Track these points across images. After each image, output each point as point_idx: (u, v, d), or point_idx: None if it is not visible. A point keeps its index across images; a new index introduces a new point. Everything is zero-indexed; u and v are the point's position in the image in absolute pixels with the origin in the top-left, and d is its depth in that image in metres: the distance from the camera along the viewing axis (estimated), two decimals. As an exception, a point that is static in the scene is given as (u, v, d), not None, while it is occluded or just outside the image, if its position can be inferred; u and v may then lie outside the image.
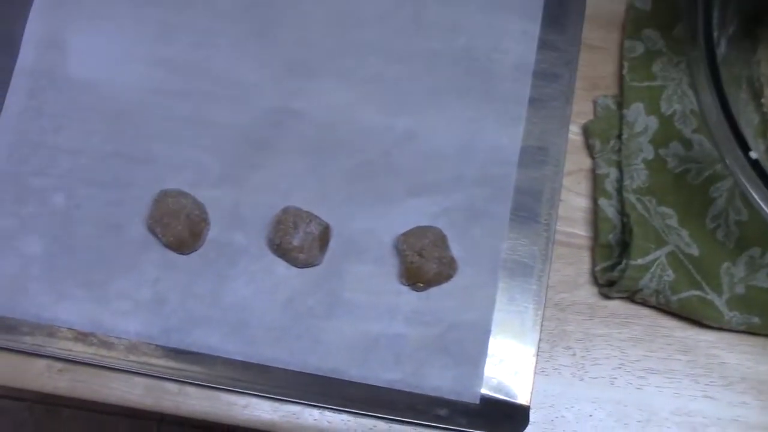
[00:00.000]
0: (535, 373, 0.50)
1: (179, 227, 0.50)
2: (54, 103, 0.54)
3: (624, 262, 0.49)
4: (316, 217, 0.51)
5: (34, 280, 0.51)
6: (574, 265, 0.52)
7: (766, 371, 0.51)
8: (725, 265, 0.50)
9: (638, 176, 0.51)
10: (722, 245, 0.51)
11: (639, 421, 0.50)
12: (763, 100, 0.51)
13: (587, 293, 0.52)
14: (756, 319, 0.50)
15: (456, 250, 0.51)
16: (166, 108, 0.53)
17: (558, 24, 0.54)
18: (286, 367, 0.50)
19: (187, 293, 0.51)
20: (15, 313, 0.50)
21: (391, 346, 0.50)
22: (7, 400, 1.15)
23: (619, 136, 0.53)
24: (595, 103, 0.54)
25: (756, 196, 0.43)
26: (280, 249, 0.50)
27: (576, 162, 0.54)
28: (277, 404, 0.50)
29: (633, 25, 0.54)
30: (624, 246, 0.51)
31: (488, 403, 0.49)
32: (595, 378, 0.51)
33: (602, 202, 0.52)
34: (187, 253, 0.51)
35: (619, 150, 0.52)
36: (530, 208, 0.51)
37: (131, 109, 0.53)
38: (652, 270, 0.49)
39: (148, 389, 0.50)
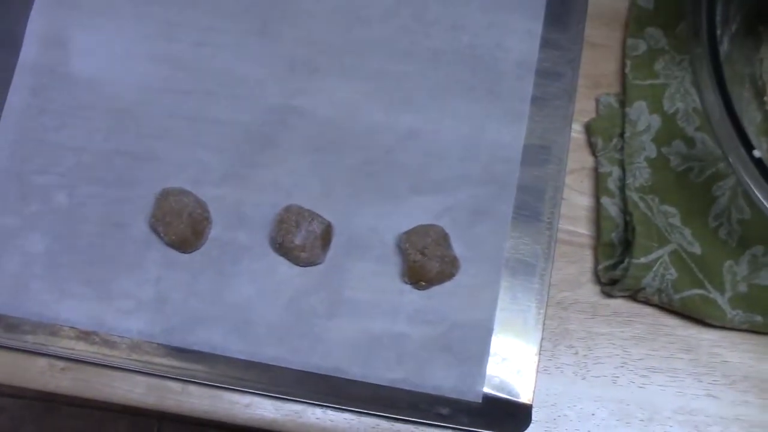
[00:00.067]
0: (537, 371, 0.49)
1: (181, 226, 0.50)
2: (56, 100, 0.53)
3: (626, 260, 0.49)
4: (319, 215, 0.51)
5: (36, 279, 0.51)
6: (576, 263, 0.52)
7: (768, 370, 0.51)
8: (728, 263, 0.50)
9: (641, 175, 0.51)
10: (725, 244, 0.51)
11: (641, 420, 0.50)
12: (765, 98, 0.51)
13: (590, 292, 0.52)
14: (758, 318, 0.50)
15: (458, 248, 0.51)
16: (168, 106, 0.53)
17: (560, 22, 0.54)
18: (289, 366, 0.50)
19: (189, 292, 0.51)
20: (17, 311, 0.50)
21: (394, 345, 0.50)
22: (6, 397, 1.15)
23: (622, 135, 0.53)
24: (597, 101, 0.54)
25: (759, 195, 0.43)
26: (283, 248, 0.50)
27: (578, 160, 0.54)
28: (279, 403, 0.50)
29: (636, 23, 0.54)
30: (626, 245, 0.51)
31: (490, 401, 0.49)
32: (598, 377, 0.51)
33: (605, 200, 0.52)
34: (190, 252, 0.51)
35: (622, 148, 0.52)
36: (533, 207, 0.51)
37: (133, 107, 0.53)
38: (654, 269, 0.49)
39: (151, 388, 0.50)
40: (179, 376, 0.50)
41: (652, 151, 0.52)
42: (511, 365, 0.49)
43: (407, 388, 0.49)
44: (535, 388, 0.49)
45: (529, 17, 0.54)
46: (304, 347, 0.50)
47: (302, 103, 0.53)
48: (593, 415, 0.50)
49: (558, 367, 0.51)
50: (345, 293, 0.50)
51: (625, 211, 0.51)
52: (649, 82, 0.53)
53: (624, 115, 0.53)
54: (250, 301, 0.50)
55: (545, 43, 0.54)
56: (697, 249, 0.50)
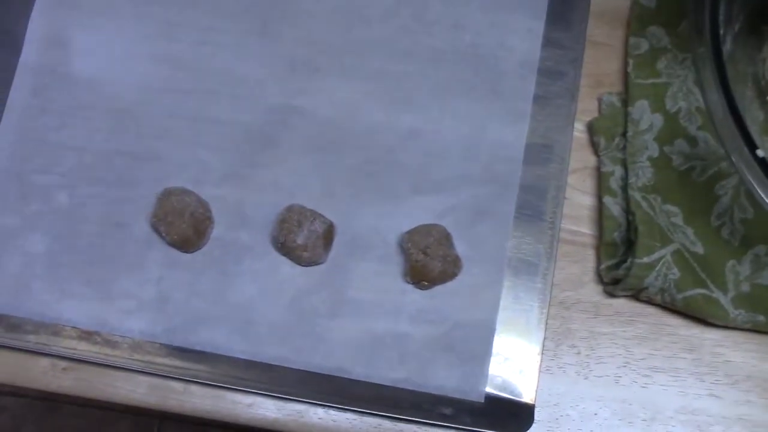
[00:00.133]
0: (539, 371, 0.49)
1: (183, 225, 0.50)
2: (57, 100, 0.53)
3: (629, 260, 0.49)
4: (321, 215, 0.50)
5: (37, 279, 0.51)
6: (579, 263, 0.52)
7: (771, 369, 0.51)
8: (730, 263, 0.50)
9: (643, 174, 0.51)
10: (727, 243, 0.51)
11: (644, 420, 0.50)
12: (768, 98, 0.51)
13: (592, 291, 0.52)
14: (761, 318, 0.50)
15: (461, 248, 0.51)
16: (169, 106, 0.53)
17: (563, 21, 0.54)
18: (291, 366, 0.49)
19: (191, 292, 0.50)
20: (19, 311, 0.50)
21: (396, 345, 0.50)
22: (7, 396, 1.15)
23: (624, 134, 0.53)
24: (600, 100, 0.54)
25: (762, 194, 0.43)
26: (285, 247, 0.50)
27: (581, 160, 0.54)
28: (281, 403, 0.50)
29: (638, 22, 0.54)
30: (629, 244, 0.51)
31: (493, 401, 0.49)
32: (600, 376, 0.51)
33: (607, 200, 0.52)
34: (192, 252, 0.51)
35: (624, 148, 0.52)
36: (535, 206, 0.51)
37: (134, 107, 0.53)
38: (657, 268, 0.49)
39: (153, 388, 0.50)
40: (181, 376, 0.50)
41: (654, 150, 0.52)
42: (514, 365, 0.49)
43: (410, 387, 0.49)
44: (537, 387, 0.49)
45: (531, 16, 0.54)
46: (306, 347, 0.50)
47: (303, 103, 0.53)
48: (596, 414, 0.50)
49: (560, 367, 0.51)
50: (347, 293, 0.50)
51: (627, 210, 0.51)
52: (651, 81, 0.53)
53: (626, 114, 0.53)
54: (252, 300, 0.50)
55: (547, 42, 0.54)
56: (699, 248, 0.50)
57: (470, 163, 0.52)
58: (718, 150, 0.51)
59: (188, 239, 0.50)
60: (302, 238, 0.49)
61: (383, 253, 0.51)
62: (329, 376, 0.49)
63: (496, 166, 0.52)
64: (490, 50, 0.54)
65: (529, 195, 0.52)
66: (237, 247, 0.51)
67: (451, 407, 0.49)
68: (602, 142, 0.53)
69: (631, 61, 0.54)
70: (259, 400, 0.50)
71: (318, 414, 0.50)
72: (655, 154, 0.52)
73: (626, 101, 0.53)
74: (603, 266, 0.51)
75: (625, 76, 0.54)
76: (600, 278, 0.52)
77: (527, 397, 0.49)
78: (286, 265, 0.51)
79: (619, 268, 0.50)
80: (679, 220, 0.51)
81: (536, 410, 0.49)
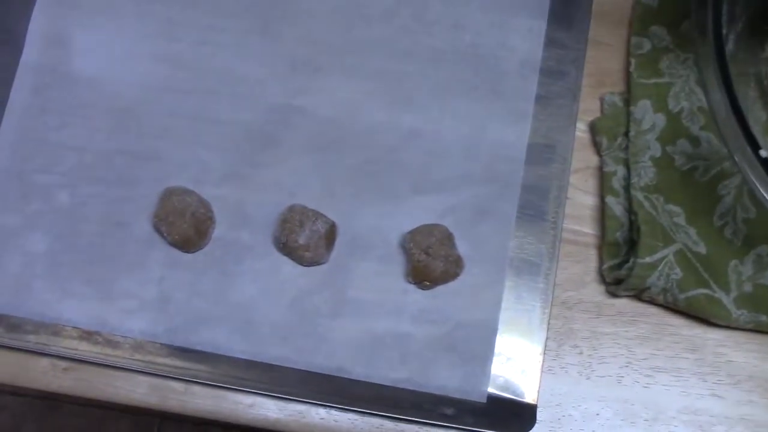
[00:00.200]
0: (542, 371, 0.49)
1: (185, 225, 0.50)
2: (58, 100, 0.53)
3: (631, 260, 0.49)
4: (322, 215, 0.50)
5: (38, 278, 0.51)
6: (581, 263, 0.52)
7: (773, 369, 0.51)
8: (733, 263, 0.50)
9: (646, 174, 0.51)
10: (730, 243, 0.51)
11: (646, 420, 0.50)
12: (771, 98, 0.51)
13: (594, 291, 0.52)
14: (764, 318, 0.50)
15: (462, 248, 0.50)
16: (169, 105, 0.53)
17: (564, 21, 0.54)
18: (292, 366, 0.49)
19: (192, 292, 0.50)
20: (19, 311, 0.50)
21: (398, 345, 0.50)
22: (7, 395, 1.14)
23: (627, 134, 0.52)
24: (602, 100, 0.54)
25: (765, 194, 0.43)
26: (286, 247, 0.50)
27: (583, 159, 0.53)
28: (282, 403, 0.50)
29: (640, 21, 0.54)
30: (631, 244, 0.50)
31: (495, 401, 0.49)
32: (602, 376, 0.51)
33: (609, 199, 0.52)
34: (193, 252, 0.51)
35: (627, 147, 0.52)
36: (537, 206, 0.51)
37: (135, 106, 0.53)
38: (659, 268, 0.49)
39: (154, 388, 0.50)
40: (182, 376, 0.49)
41: (656, 150, 0.52)
42: (516, 365, 0.49)
43: (411, 388, 0.49)
44: (539, 387, 0.49)
45: (533, 16, 0.54)
46: (307, 347, 0.50)
47: (303, 102, 0.53)
48: (598, 414, 0.50)
49: (562, 367, 0.51)
50: (349, 293, 0.50)
51: (629, 210, 0.51)
52: (653, 80, 0.53)
53: (629, 114, 0.53)
54: (253, 300, 0.50)
55: (549, 42, 0.54)
56: (702, 248, 0.50)
57: (471, 163, 0.52)
58: (720, 150, 0.51)
59: (189, 239, 0.50)
60: (304, 238, 0.49)
61: (384, 253, 0.51)
62: (331, 376, 0.49)
63: (497, 166, 0.52)
64: (491, 50, 0.54)
65: (531, 195, 0.51)
66: (238, 247, 0.51)
67: (453, 407, 0.49)
68: (604, 141, 0.53)
69: (633, 61, 0.54)
70: (260, 400, 0.50)
71: (319, 414, 0.50)
72: (658, 153, 0.52)
73: (628, 101, 0.53)
74: (605, 266, 0.51)
75: (628, 75, 0.54)
76: (602, 278, 0.52)
77: (529, 398, 0.49)
78: (287, 265, 0.51)
79: (622, 268, 0.50)
80: (681, 220, 0.51)
81: (538, 410, 0.49)
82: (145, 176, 0.52)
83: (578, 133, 0.53)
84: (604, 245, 0.52)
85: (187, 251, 0.51)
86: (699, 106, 0.52)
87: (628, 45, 0.55)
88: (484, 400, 0.49)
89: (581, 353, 0.51)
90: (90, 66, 0.54)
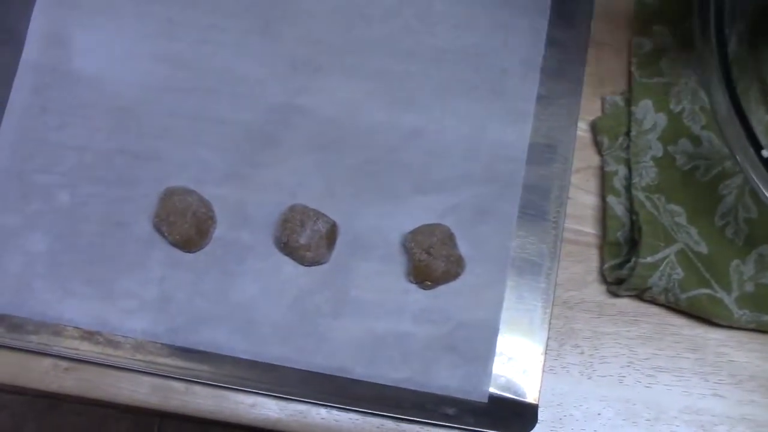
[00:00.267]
0: (543, 371, 0.49)
1: (186, 225, 0.49)
2: (58, 99, 0.53)
3: (633, 260, 0.49)
4: (323, 215, 0.50)
5: (39, 278, 0.51)
6: (582, 263, 0.52)
7: (775, 369, 0.51)
8: (734, 263, 0.50)
9: (647, 174, 0.51)
10: (731, 243, 0.50)
11: (647, 420, 0.50)
12: (772, 98, 0.51)
13: (596, 291, 0.52)
14: (766, 317, 0.50)
15: (464, 248, 0.50)
16: (169, 105, 0.53)
17: (566, 20, 0.54)
18: (293, 366, 0.49)
19: (193, 292, 0.50)
20: (20, 311, 0.50)
21: (399, 345, 0.49)
22: (8, 394, 1.14)
23: (628, 133, 0.52)
24: (603, 99, 0.54)
25: (766, 194, 0.43)
26: (287, 247, 0.50)
27: (584, 159, 0.53)
28: (284, 403, 0.50)
29: (641, 21, 0.54)
30: (633, 244, 0.50)
31: (496, 401, 0.49)
32: (604, 376, 0.51)
33: (611, 199, 0.52)
34: (194, 252, 0.51)
35: (628, 147, 0.52)
36: (538, 206, 0.51)
37: (135, 106, 0.53)
38: (661, 268, 0.49)
39: (155, 388, 0.50)
40: (183, 376, 0.49)
41: (658, 149, 0.52)
42: (517, 365, 0.49)
43: (412, 387, 0.49)
44: (541, 387, 0.49)
45: (535, 16, 0.54)
46: (308, 347, 0.50)
47: (304, 102, 0.53)
48: (599, 414, 0.50)
49: (564, 367, 0.51)
50: (350, 293, 0.50)
51: (631, 210, 0.51)
52: (655, 80, 0.53)
53: (630, 114, 0.53)
54: (254, 300, 0.50)
55: (551, 42, 0.53)
56: (703, 248, 0.50)
57: (472, 163, 0.52)
58: (722, 149, 0.51)
59: (190, 239, 0.50)
60: (305, 238, 0.49)
61: (385, 253, 0.51)
62: (332, 376, 0.49)
63: (498, 166, 0.52)
64: (493, 50, 0.54)
65: (533, 195, 0.51)
66: (239, 247, 0.51)
67: (454, 407, 0.49)
68: (606, 141, 0.53)
69: (634, 61, 0.54)
70: (261, 400, 0.50)
71: (320, 414, 0.50)
72: (659, 153, 0.52)
73: (630, 101, 0.53)
74: (606, 266, 0.51)
75: (629, 75, 0.54)
76: (603, 278, 0.52)
77: (531, 397, 0.49)
78: (288, 265, 0.51)
79: (623, 267, 0.50)
80: (683, 219, 0.51)
81: (540, 410, 0.49)
82: (145, 176, 0.52)
83: (579, 133, 0.53)
84: (605, 245, 0.52)
85: (188, 251, 0.51)
86: (700, 106, 0.52)
87: (629, 45, 0.54)
88: (486, 400, 0.49)
89: (582, 353, 0.51)
90: (90, 66, 0.54)
